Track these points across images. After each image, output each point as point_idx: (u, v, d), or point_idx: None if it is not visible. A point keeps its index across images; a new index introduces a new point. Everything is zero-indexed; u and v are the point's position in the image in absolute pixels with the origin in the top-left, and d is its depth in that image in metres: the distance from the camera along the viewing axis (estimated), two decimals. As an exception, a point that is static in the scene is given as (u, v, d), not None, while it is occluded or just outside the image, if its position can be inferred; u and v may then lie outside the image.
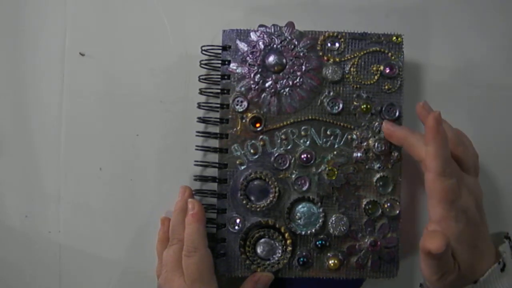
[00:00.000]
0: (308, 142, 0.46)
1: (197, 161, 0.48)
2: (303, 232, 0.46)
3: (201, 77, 0.48)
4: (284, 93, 0.46)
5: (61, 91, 0.51)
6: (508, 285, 0.38)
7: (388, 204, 0.46)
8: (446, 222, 0.38)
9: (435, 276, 0.38)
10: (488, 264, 0.39)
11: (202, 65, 0.48)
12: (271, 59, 0.46)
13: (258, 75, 0.46)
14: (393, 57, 0.47)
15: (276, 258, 0.46)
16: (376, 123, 0.46)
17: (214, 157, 0.47)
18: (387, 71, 0.46)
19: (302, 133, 0.46)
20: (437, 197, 0.38)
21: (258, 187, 0.46)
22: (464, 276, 0.39)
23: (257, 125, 0.46)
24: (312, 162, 0.46)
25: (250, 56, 0.46)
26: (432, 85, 0.51)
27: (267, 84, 0.46)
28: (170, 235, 0.46)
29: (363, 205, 0.46)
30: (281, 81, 0.46)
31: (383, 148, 0.46)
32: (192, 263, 0.43)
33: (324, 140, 0.46)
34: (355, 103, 0.46)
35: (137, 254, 0.50)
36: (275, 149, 0.46)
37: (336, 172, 0.46)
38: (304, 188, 0.46)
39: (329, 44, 0.46)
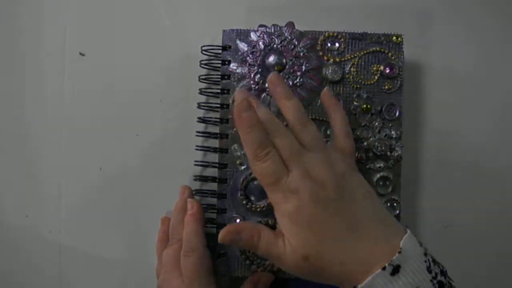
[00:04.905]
0: (308, 142, 0.46)
1: (197, 161, 0.48)
2: (303, 232, 0.46)
3: (201, 77, 0.48)
4: (284, 93, 0.46)
5: (61, 91, 0.51)
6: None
7: (388, 204, 0.46)
8: (276, 205, 0.36)
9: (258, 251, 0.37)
10: (377, 260, 0.32)
11: (202, 65, 0.48)
12: (271, 59, 0.46)
13: (258, 75, 0.46)
14: (393, 57, 0.46)
15: (276, 258, 0.46)
16: (376, 123, 0.46)
17: (214, 157, 0.47)
18: (387, 71, 0.46)
19: (302, 133, 0.46)
20: (261, 182, 0.37)
21: (258, 187, 0.46)
22: (314, 264, 0.34)
23: (257, 125, 0.46)
24: (312, 162, 0.46)
25: (250, 56, 0.46)
26: (432, 85, 0.51)
27: (267, 84, 0.46)
28: (170, 235, 0.46)
29: (363, 205, 0.46)
30: (281, 81, 0.46)
31: (383, 148, 0.46)
32: (190, 263, 0.43)
33: (324, 140, 0.46)
34: (355, 103, 0.46)
35: (137, 254, 0.51)
36: (275, 149, 0.46)
37: (336, 172, 0.46)
38: (304, 188, 0.46)
39: (329, 44, 0.46)
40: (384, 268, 0.32)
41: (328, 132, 0.46)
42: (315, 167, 0.36)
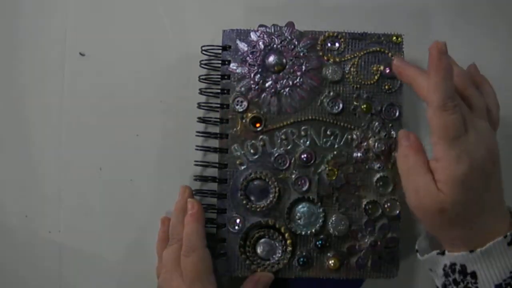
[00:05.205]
0: (308, 142, 0.46)
1: (197, 161, 0.48)
2: (303, 232, 0.46)
3: (201, 77, 0.48)
4: (284, 93, 0.46)
5: (61, 91, 0.51)
6: None
7: (388, 204, 0.46)
8: (446, 161, 0.35)
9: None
10: (496, 231, 0.35)
11: (202, 65, 0.48)
12: (271, 59, 0.46)
13: (258, 75, 0.46)
14: (393, 57, 0.46)
15: (276, 258, 0.46)
16: (376, 123, 0.46)
17: (214, 157, 0.47)
18: (387, 71, 0.46)
19: (302, 133, 0.46)
20: (437, 133, 0.35)
21: (258, 187, 0.46)
22: (444, 221, 0.36)
23: (257, 125, 0.46)
24: (312, 162, 0.46)
25: (250, 56, 0.46)
26: (432, 85, 0.51)
27: (267, 84, 0.46)
28: (170, 235, 0.46)
29: (363, 205, 0.46)
30: (281, 81, 0.46)
31: (383, 148, 0.46)
32: (190, 263, 0.43)
33: (324, 140, 0.46)
34: (355, 103, 0.46)
35: (137, 254, 0.51)
36: (275, 149, 0.46)
37: (336, 172, 0.46)
38: (304, 188, 0.46)
39: (329, 44, 0.46)
40: (505, 237, 0.35)
41: (328, 132, 0.46)
42: (486, 136, 0.37)
